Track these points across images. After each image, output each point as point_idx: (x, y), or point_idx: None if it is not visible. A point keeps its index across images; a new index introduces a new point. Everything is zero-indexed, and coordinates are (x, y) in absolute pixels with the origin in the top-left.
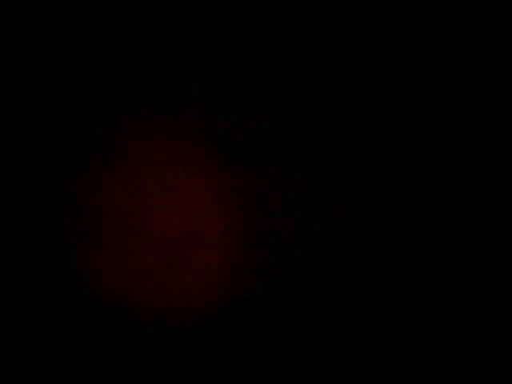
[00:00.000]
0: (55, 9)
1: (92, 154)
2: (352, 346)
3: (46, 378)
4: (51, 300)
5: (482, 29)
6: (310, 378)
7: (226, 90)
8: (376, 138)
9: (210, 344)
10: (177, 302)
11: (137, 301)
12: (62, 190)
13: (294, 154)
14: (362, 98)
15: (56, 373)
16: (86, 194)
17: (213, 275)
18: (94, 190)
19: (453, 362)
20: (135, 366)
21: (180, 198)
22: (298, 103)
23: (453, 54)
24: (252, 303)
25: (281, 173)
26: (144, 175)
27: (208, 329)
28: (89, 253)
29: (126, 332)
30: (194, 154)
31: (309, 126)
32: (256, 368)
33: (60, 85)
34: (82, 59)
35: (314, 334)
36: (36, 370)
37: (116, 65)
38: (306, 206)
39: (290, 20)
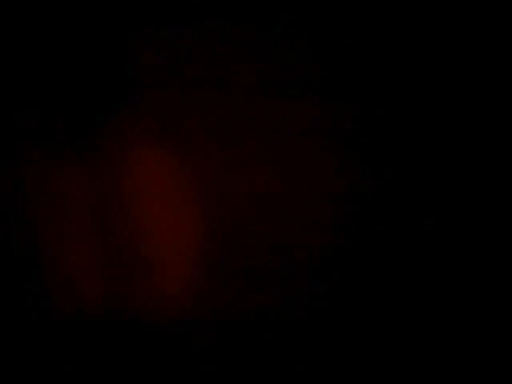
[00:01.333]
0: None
1: (74, 151)
2: (350, 349)
3: (35, 380)
4: (35, 302)
5: (482, 29)
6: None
7: (220, 87)
8: (375, 138)
9: (197, 346)
10: (161, 302)
11: (121, 300)
12: (40, 187)
13: (286, 152)
14: (361, 98)
15: (44, 376)
16: (66, 191)
17: (200, 275)
18: (77, 187)
19: (453, 362)
20: (122, 368)
21: (167, 196)
22: (295, 100)
23: (453, 53)
24: (241, 304)
25: (274, 172)
26: (129, 173)
27: (194, 329)
28: (70, 253)
29: (111, 332)
30: (182, 152)
31: (304, 121)
32: (245, 371)
33: (45, 82)
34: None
35: (308, 336)
36: (24, 373)
37: (106, 62)
38: (299, 205)
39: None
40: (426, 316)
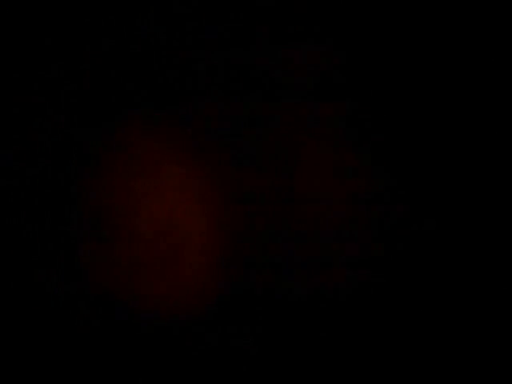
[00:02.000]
0: (56, 8)
1: (89, 153)
2: (350, 348)
3: (46, 375)
4: (48, 297)
5: (482, 29)
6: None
7: (224, 89)
8: (375, 139)
9: (204, 341)
10: (172, 299)
11: (132, 297)
12: (58, 188)
13: (291, 153)
14: (361, 98)
15: (55, 370)
16: (83, 192)
17: (209, 272)
18: (91, 188)
19: (453, 362)
20: (132, 363)
21: (177, 196)
22: (297, 101)
23: (453, 53)
24: (245, 300)
25: (277, 172)
26: (142, 174)
27: (202, 325)
28: (85, 250)
29: (121, 327)
30: (191, 154)
31: (307, 122)
32: (249, 366)
33: (60, 85)
34: (82, 57)
35: (309, 335)
36: (35, 367)
37: (115, 63)
38: (302, 204)
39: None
40: (426, 316)
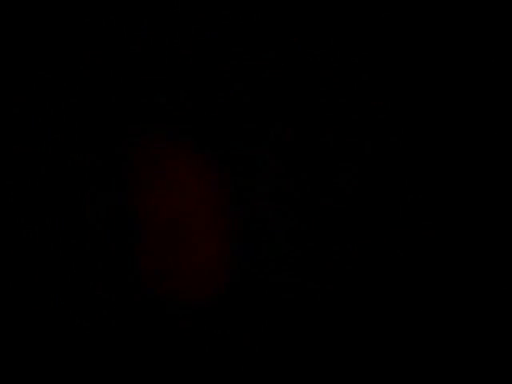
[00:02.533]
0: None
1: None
2: (347, 346)
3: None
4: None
5: (482, 29)
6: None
7: (223, 93)
8: (373, 139)
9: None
10: (176, 293)
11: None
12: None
13: (289, 152)
14: (360, 98)
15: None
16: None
17: (212, 269)
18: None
19: (453, 362)
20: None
21: (182, 196)
22: (294, 102)
23: (453, 53)
24: (246, 297)
25: (274, 172)
26: (145, 175)
27: (203, 321)
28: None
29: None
30: (192, 155)
31: (303, 123)
32: (248, 364)
33: (73, 95)
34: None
35: (305, 331)
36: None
37: (116, 69)
38: (298, 201)
39: (284, 20)
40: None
